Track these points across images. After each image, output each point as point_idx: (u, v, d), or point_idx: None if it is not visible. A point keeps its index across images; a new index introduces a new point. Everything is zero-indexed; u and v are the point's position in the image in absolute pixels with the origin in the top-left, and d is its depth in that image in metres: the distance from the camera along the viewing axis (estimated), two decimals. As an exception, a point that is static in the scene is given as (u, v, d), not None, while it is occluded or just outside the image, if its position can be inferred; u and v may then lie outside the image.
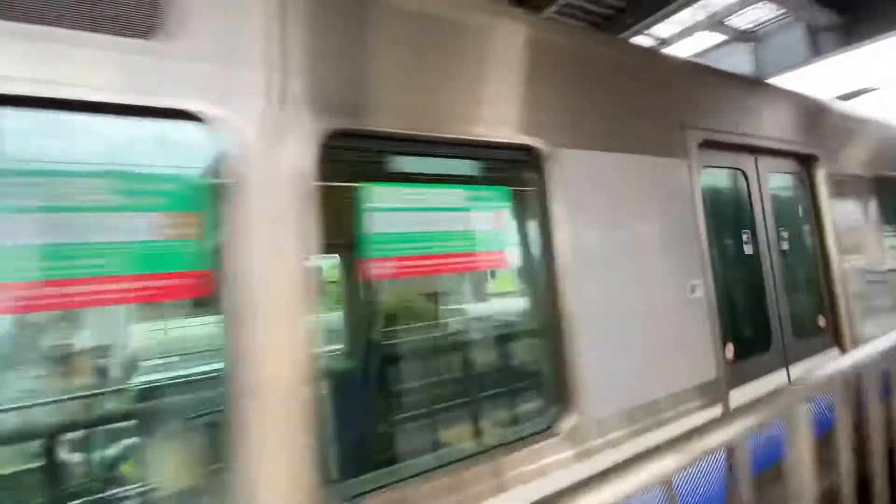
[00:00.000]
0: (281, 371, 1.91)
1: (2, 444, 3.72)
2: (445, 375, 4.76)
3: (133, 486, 3.85)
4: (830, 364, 2.76)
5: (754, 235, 4.02)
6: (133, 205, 1.81)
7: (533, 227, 2.87)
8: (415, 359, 4.97)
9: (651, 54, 3.40)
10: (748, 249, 3.99)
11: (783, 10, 11.99)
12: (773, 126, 4.21)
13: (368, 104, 2.25)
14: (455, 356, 5.06)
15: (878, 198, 5.23)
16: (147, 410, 4.13)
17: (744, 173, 4.05)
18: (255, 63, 2.00)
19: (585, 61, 3.04)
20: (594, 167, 2.95)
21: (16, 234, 1.64)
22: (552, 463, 2.54)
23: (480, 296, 7.72)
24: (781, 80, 10.98)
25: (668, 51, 12.67)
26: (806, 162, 4.57)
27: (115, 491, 3.95)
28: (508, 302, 5.82)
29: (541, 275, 2.80)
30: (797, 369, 4.02)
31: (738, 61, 13.40)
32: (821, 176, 4.56)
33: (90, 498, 3.81)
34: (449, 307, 6.57)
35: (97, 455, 4.06)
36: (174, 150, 1.97)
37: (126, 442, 4.07)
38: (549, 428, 2.60)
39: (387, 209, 2.42)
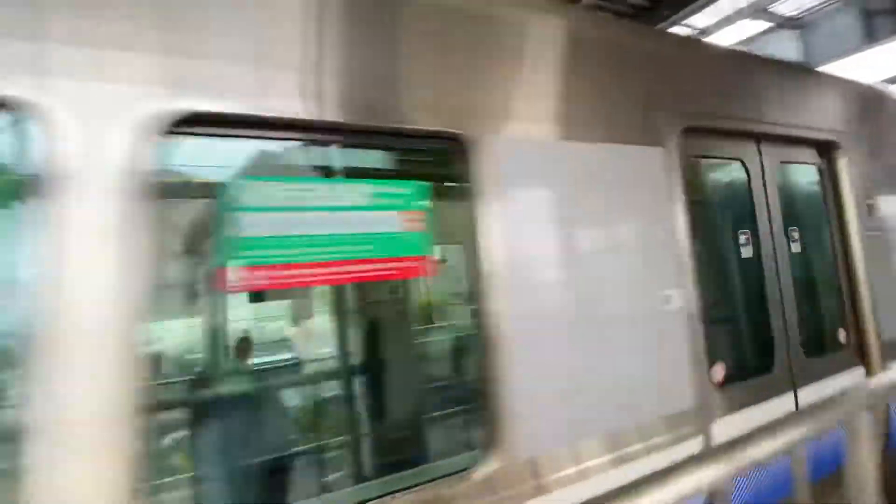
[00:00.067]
0: (91, 408, 1.56)
1: None
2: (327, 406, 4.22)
3: None
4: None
5: (755, 236, 3.45)
6: None
7: (458, 229, 2.46)
8: (290, 385, 4.52)
9: (612, 24, 2.90)
10: (746, 252, 3.43)
11: (834, -5, 11.21)
12: (781, 109, 3.64)
13: (217, 81, 1.88)
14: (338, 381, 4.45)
15: None
16: None
17: (743, 164, 3.49)
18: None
19: (523, 32, 2.59)
20: (536, 158, 2.51)
21: None
22: None
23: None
24: (832, 69, 10.17)
25: (708, 41, 11.93)
26: (825, 150, 3.95)
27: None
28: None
29: (463, 284, 2.37)
30: (808, 393, 3.43)
31: (784, 49, 12.54)
32: (843, 165, 3.93)
33: None
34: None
35: None
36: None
37: None
38: (463, 471, 2.17)
39: (261, 209, 2.05)
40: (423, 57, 2.29)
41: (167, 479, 3.75)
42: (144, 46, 1.73)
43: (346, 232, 2.21)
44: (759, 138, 3.58)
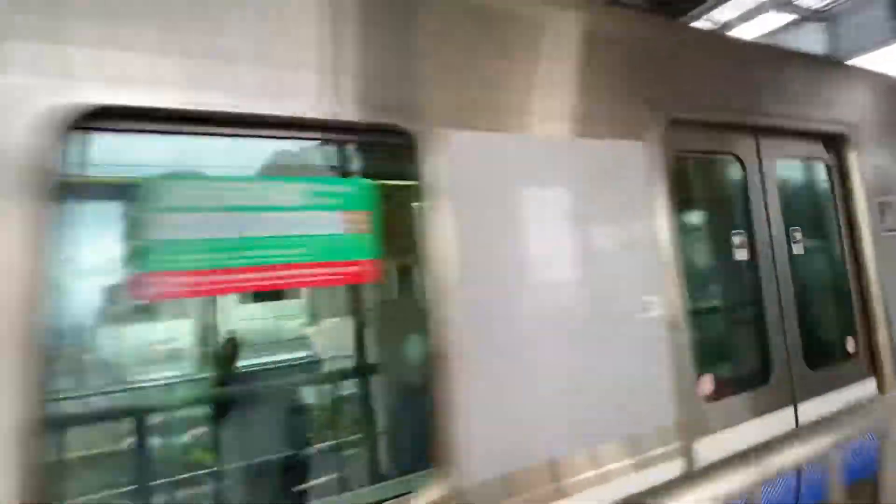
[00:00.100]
0: None
1: None
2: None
3: None
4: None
5: (751, 237, 3.19)
6: None
7: (407, 232, 2.28)
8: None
9: (579, 3, 2.67)
10: (741, 255, 3.17)
11: (862, -14, 10.77)
12: (783, 100, 3.36)
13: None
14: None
15: None
16: None
17: (739, 159, 3.23)
18: None
19: (481, 16, 2.38)
20: (496, 153, 2.31)
21: None
22: None
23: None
24: (860, 62, 9.72)
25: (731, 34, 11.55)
26: (833, 144, 3.66)
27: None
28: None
29: (412, 291, 2.19)
30: (810, 407, 3.15)
31: (810, 42, 12.09)
32: (853, 160, 3.63)
33: None
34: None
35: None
36: None
37: None
38: (406, 495, 1.98)
39: (182, 209, 1.89)
40: (350, 37, 2.10)
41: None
42: (44, 36, 1.59)
43: (278, 234, 2.04)
44: (758, 132, 3.31)
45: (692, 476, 1.81)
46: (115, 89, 1.68)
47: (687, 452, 2.58)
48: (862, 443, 2.30)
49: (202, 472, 4.09)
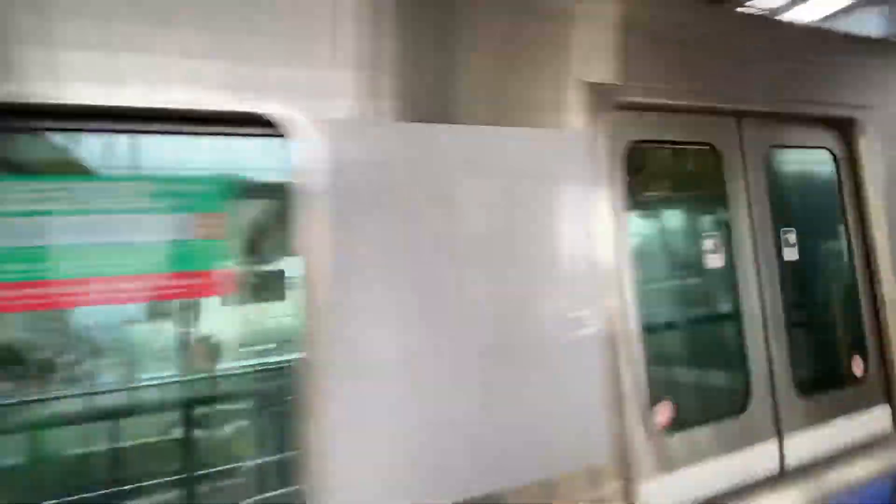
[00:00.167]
0: None
1: None
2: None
3: None
4: None
5: (728, 240, 2.71)
6: None
7: (278, 235, 1.97)
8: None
9: None
10: (715, 261, 2.69)
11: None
12: (775, 79, 2.87)
13: None
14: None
15: None
16: None
17: (714, 149, 2.76)
18: None
19: None
20: (385, 143, 1.98)
21: None
22: None
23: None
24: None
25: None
26: (841, 129, 3.11)
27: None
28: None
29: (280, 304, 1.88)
30: (801, 441, 2.64)
31: (867, 26, 11.08)
32: (864, 149, 3.08)
33: None
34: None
35: None
36: None
37: None
38: None
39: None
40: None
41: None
42: None
43: (105, 241, 1.78)
44: (741, 116, 2.83)
45: None
46: None
47: (627, 496, 2.16)
48: (873, 487, 1.84)
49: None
